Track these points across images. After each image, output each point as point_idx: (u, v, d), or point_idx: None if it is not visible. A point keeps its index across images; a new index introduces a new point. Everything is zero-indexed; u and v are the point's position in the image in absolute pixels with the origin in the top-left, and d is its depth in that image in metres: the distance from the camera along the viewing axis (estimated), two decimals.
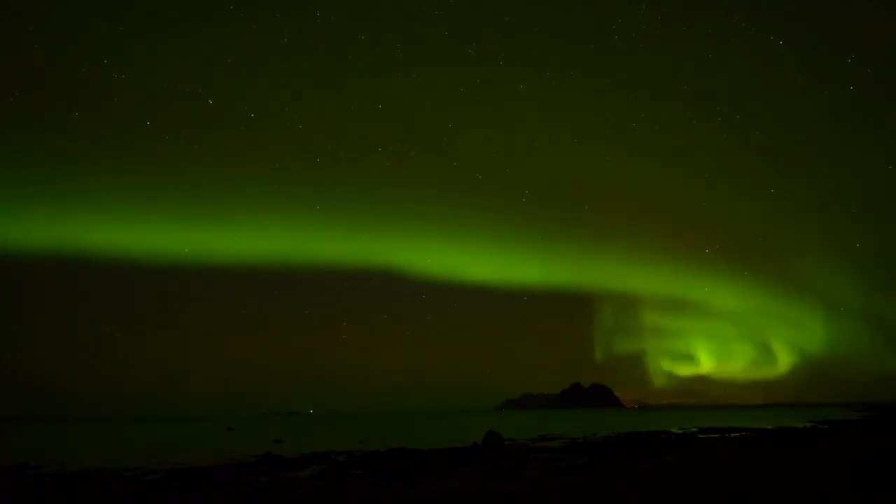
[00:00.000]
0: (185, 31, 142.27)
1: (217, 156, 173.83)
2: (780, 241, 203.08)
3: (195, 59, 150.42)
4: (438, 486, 11.44)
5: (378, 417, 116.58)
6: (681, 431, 34.83)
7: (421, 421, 77.62)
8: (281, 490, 11.55)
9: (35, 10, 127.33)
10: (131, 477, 14.90)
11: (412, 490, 11.00)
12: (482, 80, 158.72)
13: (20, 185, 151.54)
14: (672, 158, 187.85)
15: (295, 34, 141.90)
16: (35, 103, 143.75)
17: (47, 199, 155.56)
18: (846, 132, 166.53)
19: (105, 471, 16.71)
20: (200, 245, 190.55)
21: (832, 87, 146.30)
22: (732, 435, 29.14)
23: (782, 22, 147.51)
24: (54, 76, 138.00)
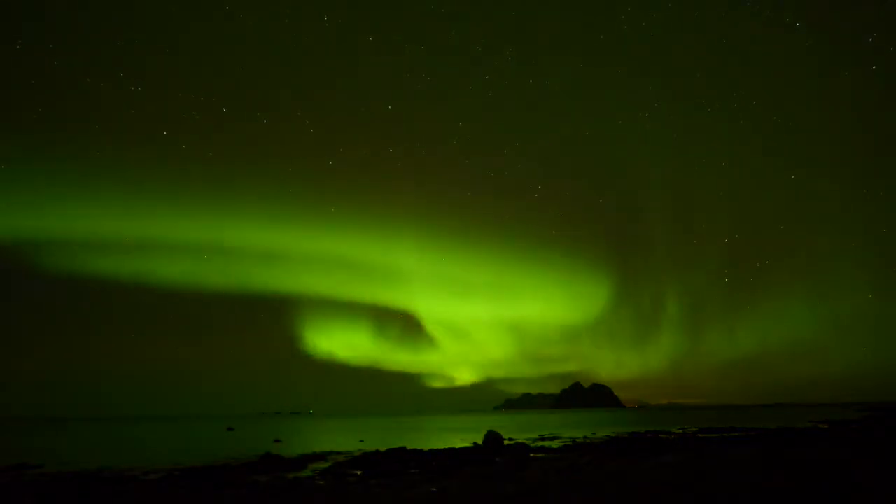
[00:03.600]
0: (196, 41, 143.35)
1: (232, 162, 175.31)
2: (802, 229, 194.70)
3: (207, 68, 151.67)
4: (438, 486, 11.44)
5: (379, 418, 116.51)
6: (681, 431, 34.85)
7: (420, 422, 77.55)
8: (281, 490, 11.54)
9: (53, 27, 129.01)
10: (131, 477, 14.90)
11: (412, 490, 10.99)
12: (490, 77, 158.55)
13: (39, 195, 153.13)
14: (686, 147, 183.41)
15: (303, 39, 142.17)
16: (55, 117, 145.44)
17: (67, 208, 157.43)
18: (869, 113, 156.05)
19: (105, 471, 16.73)
20: (218, 249, 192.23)
21: (854, 67, 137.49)
22: (732, 435, 29.13)
23: (799, 1, 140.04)
24: (73, 90, 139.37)
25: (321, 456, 20.70)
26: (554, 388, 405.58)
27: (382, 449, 20.38)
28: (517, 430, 41.53)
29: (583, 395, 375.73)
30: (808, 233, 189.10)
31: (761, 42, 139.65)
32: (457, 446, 23.12)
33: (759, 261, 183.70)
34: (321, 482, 12.90)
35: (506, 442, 23.71)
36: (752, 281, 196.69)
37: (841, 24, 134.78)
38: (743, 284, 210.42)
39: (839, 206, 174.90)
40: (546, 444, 25.42)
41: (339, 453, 21.81)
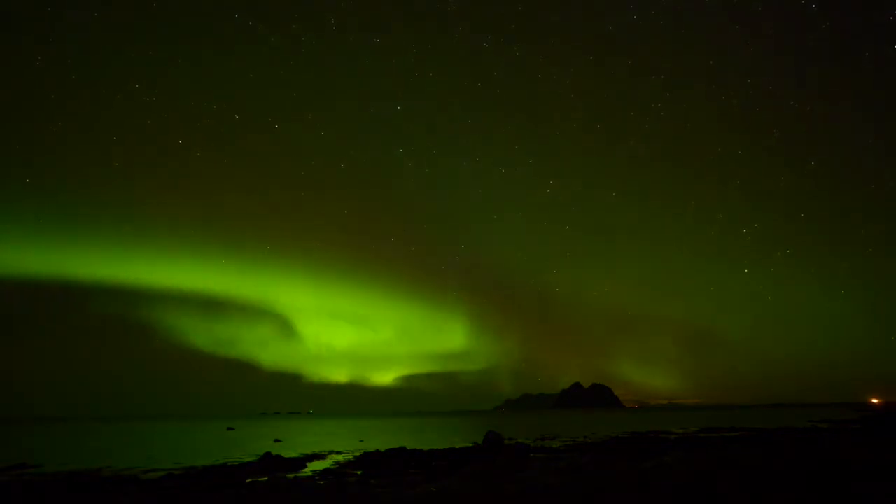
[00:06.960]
0: (207, 51, 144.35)
1: (245, 168, 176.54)
2: (822, 217, 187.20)
3: (218, 77, 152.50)
4: (438, 485, 11.43)
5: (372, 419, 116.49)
6: (681, 431, 34.84)
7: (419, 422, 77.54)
8: (281, 490, 11.53)
9: (70, 44, 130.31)
10: (131, 477, 14.90)
11: (412, 490, 10.99)
12: (499, 73, 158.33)
13: (59, 203, 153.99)
14: (700, 137, 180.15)
15: (311, 43, 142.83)
16: (75, 130, 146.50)
17: (88, 217, 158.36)
18: (890, 95, 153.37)
19: (105, 471, 16.73)
20: (231, 251, 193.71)
21: (873, 47, 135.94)
22: (732, 435, 29.12)
23: None
24: (92, 104, 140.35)
25: (321, 456, 20.70)
26: (554, 389, 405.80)
27: (382, 449, 20.38)
28: (517, 430, 41.51)
29: (583, 395, 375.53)
30: (830, 219, 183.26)
31: (775, 26, 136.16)
32: (457, 446, 23.12)
33: (781, 250, 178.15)
34: (321, 482, 12.89)
35: (506, 442, 23.71)
36: (772, 271, 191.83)
37: (859, 4, 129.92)
38: (762, 276, 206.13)
39: (862, 193, 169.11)
40: (546, 444, 25.40)
41: (339, 453, 21.82)
